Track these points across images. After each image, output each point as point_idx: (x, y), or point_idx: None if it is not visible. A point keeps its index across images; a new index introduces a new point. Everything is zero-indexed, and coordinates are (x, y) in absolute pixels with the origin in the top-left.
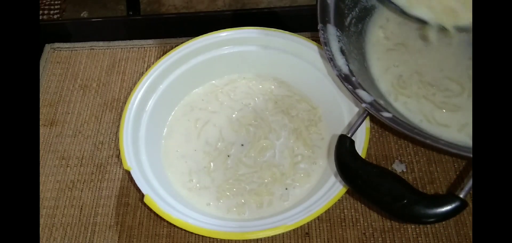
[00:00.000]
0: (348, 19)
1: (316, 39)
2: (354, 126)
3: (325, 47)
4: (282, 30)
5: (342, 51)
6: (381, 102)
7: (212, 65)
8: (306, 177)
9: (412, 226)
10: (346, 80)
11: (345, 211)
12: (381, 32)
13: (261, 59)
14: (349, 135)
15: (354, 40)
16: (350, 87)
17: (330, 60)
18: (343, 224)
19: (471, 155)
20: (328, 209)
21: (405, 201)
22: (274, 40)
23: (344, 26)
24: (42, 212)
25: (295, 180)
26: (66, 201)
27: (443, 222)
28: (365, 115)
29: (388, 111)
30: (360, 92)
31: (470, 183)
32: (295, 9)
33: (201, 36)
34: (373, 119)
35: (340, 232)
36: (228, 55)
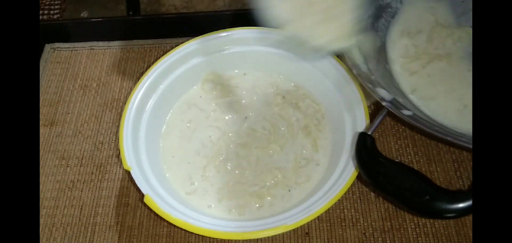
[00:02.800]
0: (365, 18)
1: None
2: (373, 124)
3: None
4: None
5: (360, 50)
6: (400, 100)
7: (212, 65)
8: (308, 178)
9: (412, 226)
10: (365, 79)
11: (345, 211)
12: (405, 37)
13: (262, 59)
14: (369, 133)
15: (371, 38)
16: (370, 86)
17: (349, 59)
18: (343, 224)
19: None
20: (328, 209)
21: (427, 197)
22: (273, 40)
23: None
24: (42, 212)
25: (298, 182)
26: (66, 201)
27: (443, 222)
28: (385, 113)
29: (408, 109)
30: (380, 91)
31: None
32: None
33: (201, 36)
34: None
35: (340, 232)
36: (228, 55)
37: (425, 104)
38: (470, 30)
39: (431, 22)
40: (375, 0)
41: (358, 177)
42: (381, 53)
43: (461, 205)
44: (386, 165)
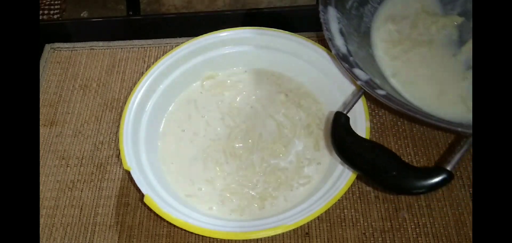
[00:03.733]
0: (350, 3)
1: (315, 39)
2: (350, 104)
3: (325, 28)
4: (282, 30)
5: (342, 32)
6: (377, 81)
7: (212, 65)
8: (310, 177)
9: (412, 226)
10: (343, 59)
11: (345, 211)
12: (390, 23)
13: (262, 59)
14: (344, 112)
15: (356, 23)
16: (347, 65)
17: (329, 40)
18: (343, 224)
19: (460, 129)
20: (328, 209)
21: (395, 173)
22: (274, 40)
23: (345, 9)
24: (42, 212)
25: (300, 182)
26: (66, 201)
27: (443, 222)
28: (361, 93)
29: (382, 89)
30: (357, 71)
31: (457, 157)
32: (295, 9)
33: (201, 36)
34: (374, 119)
35: (340, 232)
36: (228, 55)
37: (405, 88)
38: (455, 18)
39: (417, 9)
40: None
41: (358, 177)
42: (365, 38)
43: (428, 181)
44: (357, 143)
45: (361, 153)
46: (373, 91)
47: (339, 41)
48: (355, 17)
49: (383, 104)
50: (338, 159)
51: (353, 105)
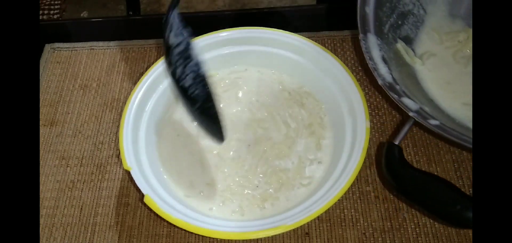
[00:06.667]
0: (387, 26)
1: (315, 39)
2: (401, 134)
3: (368, 57)
4: (282, 30)
5: (384, 60)
6: (427, 109)
7: (212, 65)
8: (311, 177)
9: (412, 226)
10: (390, 89)
11: (345, 211)
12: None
13: (261, 59)
14: (397, 143)
15: (394, 47)
16: (396, 96)
17: (374, 70)
18: (343, 224)
19: None
20: (328, 209)
21: (459, 207)
22: (274, 40)
23: (383, 34)
24: (42, 212)
25: (302, 182)
26: (66, 201)
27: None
28: (412, 122)
29: (435, 118)
30: (406, 101)
31: None
32: (295, 9)
33: (201, 36)
34: (374, 119)
35: (340, 232)
36: (228, 55)
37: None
38: None
39: (458, 25)
40: (395, 8)
41: (358, 177)
42: (406, 63)
43: None
44: (414, 175)
45: (421, 187)
46: (426, 122)
47: (383, 70)
48: (393, 41)
49: (383, 103)
50: (338, 160)
51: (404, 135)
